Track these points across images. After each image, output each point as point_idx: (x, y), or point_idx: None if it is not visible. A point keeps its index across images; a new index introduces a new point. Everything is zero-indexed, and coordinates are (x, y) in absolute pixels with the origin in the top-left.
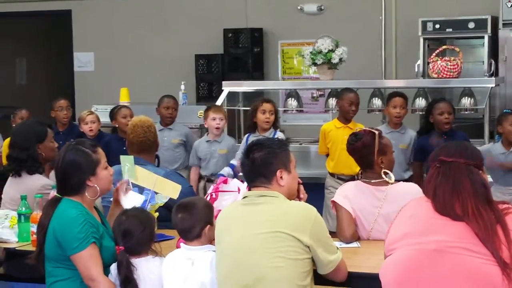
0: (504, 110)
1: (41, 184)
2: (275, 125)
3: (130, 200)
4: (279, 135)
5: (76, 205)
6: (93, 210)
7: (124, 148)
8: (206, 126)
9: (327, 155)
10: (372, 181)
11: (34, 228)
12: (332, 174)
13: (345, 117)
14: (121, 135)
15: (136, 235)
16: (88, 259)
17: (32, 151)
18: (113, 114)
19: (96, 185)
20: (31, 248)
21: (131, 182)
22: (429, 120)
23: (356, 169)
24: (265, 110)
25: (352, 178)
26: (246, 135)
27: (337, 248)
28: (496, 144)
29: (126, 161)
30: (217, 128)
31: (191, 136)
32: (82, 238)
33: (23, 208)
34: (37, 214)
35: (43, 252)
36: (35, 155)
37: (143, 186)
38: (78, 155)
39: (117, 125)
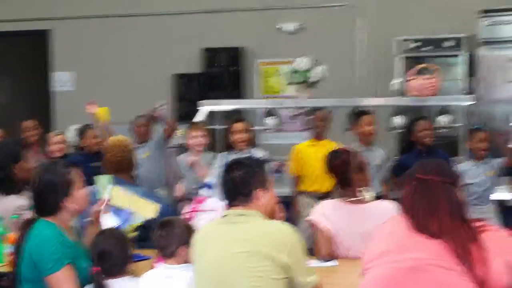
0: (474, 127)
1: (17, 205)
2: (252, 142)
3: (107, 221)
4: (257, 152)
5: (51, 225)
6: (69, 231)
7: (91, 164)
8: (188, 145)
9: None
10: (350, 199)
11: (10, 249)
12: (303, 192)
13: (318, 133)
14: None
15: (112, 256)
16: (63, 280)
17: (8, 171)
18: (81, 134)
19: (72, 206)
20: (7, 269)
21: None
22: (409, 138)
23: (329, 186)
24: (236, 131)
25: (326, 194)
26: (221, 153)
27: (314, 271)
28: (467, 162)
29: (104, 180)
30: (198, 145)
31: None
32: (56, 259)
33: None
34: (13, 234)
35: (19, 273)
36: (11, 175)
37: (121, 206)
38: (53, 175)
39: (85, 145)
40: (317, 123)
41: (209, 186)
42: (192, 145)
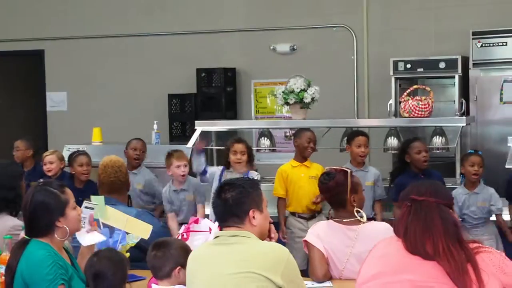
0: (468, 151)
1: (11, 225)
2: (249, 164)
3: (90, 238)
4: (252, 174)
5: (44, 246)
6: (62, 251)
7: (80, 198)
8: (170, 174)
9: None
10: (344, 220)
11: (2, 270)
12: (292, 213)
13: (303, 155)
14: (77, 184)
15: (107, 277)
16: None
17: (18, 190)
18: (70, 160)
19: (65, 226)
20: None
21: (102, 222)
22: (403, 159)
23: (313, 206)
24: (236, 151)
25: (312, 215)
26: (221, 167)
27: None
28: (459, 188)
29: (97, 201)
30: (182, 175)
31: (151, 183)
32: (50, 280)
33: None
34: (6, 255)
35: None
36: (21, 194)
37: (114, 226)
38: (47, 196)
39: (73, 173)
40: (304, 143)
41: None
42: (176, 175)
